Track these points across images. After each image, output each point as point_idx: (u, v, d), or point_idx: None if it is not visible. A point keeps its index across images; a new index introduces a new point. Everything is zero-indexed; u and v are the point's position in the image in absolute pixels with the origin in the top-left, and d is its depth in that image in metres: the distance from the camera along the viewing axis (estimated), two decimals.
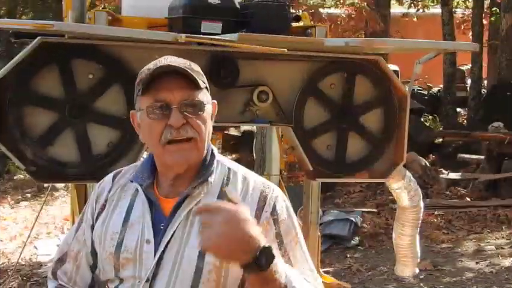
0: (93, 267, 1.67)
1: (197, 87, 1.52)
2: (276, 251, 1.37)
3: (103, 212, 1.63)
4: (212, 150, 1.61)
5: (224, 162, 1.63)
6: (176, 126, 1.48)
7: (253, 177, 1.62)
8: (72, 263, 1.68)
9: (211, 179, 1.56)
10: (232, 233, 1.31)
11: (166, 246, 1.51)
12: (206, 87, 1.57)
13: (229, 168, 1.61)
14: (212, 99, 1.63)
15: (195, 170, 1.57)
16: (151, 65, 1.52)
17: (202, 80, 1.55)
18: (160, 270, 1.51)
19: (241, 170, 1.63)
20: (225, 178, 1.59)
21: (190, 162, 1.52)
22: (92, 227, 1.64)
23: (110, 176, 1.70)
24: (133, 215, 1.57)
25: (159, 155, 1.54)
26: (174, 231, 1.52)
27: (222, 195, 1.55)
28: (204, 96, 1.55)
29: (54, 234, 6.59)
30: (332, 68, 2.81)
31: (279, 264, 1.38)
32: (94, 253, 1.65)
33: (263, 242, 1.34)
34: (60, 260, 1.70)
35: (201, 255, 1.49)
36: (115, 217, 1.60)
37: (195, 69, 1.55)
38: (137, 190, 1.60)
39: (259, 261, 1.32)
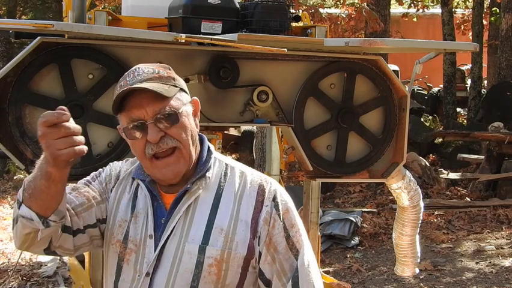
0: (100, 221, 1.61)
1: (166, 97, 1.50)
2: None
3: (113, 190, 1.64)
4: (209, 147, 1.64)
5: (221, 158, 1.66)
6: (153, 141, 1.49)
7: (251, 172, 1.65)
8: (83, 199, 1.59)
9: (209, 174, 1.59)
10: None
11: (166, 241, 1.54)
12: (181, 89, 1.56)
13: (226, 164, 1.64)
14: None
15: (191, 170, 1.59)
16: (121, 82, 1.54)
17: (174, 85, 1.54)
18: (160, 264, 1.53)
19: (238, 166, 1.65)
20: (223, 173, 1.61)
21: (180, 174, 1.55)
22: (107, 198, 1.64)
23: (122, 161, 1.73)
24: (137, 206, 1.60)
25: (148, 169, 1.56)
26: (174, 226, 1.54)
27: (219, 191, 1.57)
28: (178, 101, 1.53)
29: None
30: (332, 68, 2.81)
31: None
32: (104, 220, 1.62)
33: None
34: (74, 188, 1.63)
35: (202, 250, 1.51)
36: (123, 203, 1.62)
37: (164, 75, 1.53)
38: (138, 183, 1.62)
39: None
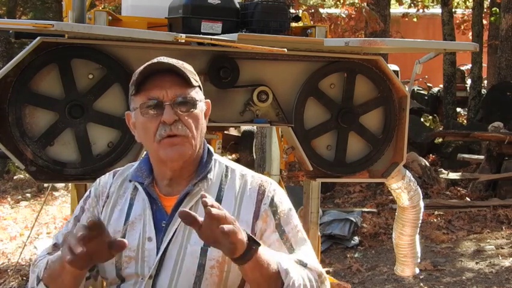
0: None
1: (189, 85, 1.54)
2: (259, 241, 1.42)
3: (103, 209, 1.64)
4: (208, 148, 1.64)
5: (221, 160, 1.66)
6: (169, 122, 1.50)
7: (251, 174, 1.65)
8: None
9: (210, 176, 1.58)
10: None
11: (168, 243, 1.53)
12: (199, 86, 1.59)
13: (226, 166, 1.64)
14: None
15: (192, 168, 1.59)
16: (143, 66, 1.54)
17: (195, 79, 1.57)
18: (162, 267, 1.52)
19: (238, 168, 1.65)
20: (223, 175, 1.61)
21: (184, 157, 1.54)
22: None
23: (109, 173, 1.72)
24: (133, 214, 1.59)
25: (154, 152, 1.56)
26: (176, 229, 1.54)
27: (220, 193, 1.57)
28: (196, 94, 1.56)
29: (54, 234, 6.58)
30: (332, 68, 2.81)
31: (265, 251, 1.43)
32: None
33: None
34: (57, 246, 1.68)
35: (204, 252, 1.51)
36: (115, 216, 1.61)
37: (188, 68, 1.56)
38: (136, 189, 1.61)
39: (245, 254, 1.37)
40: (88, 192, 1.72)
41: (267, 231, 1.57)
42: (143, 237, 1.55)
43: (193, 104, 1.53)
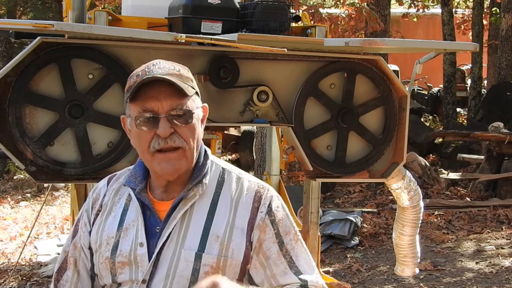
0: (92, 274, 1.66)
1: (185, 95, 1.49)
2: None
3: (97, 218, 1.63)
4: (205, 150, 1.61)
5: (218, 162, 1.63)
6: (164, 136, 1.47)
7: (248, 177, 1.62)
8: (72, 270, 1.66)
9: (205, 181, 1.56)
10: None
11: (162, 248, 1.51)
12: (196, 93, 1.55)
13: (223, 169, 1.62)
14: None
15: (188, 174, 1.57)
16: (139, 71, 1.50)
17: (191, 86, 1.53)
18: (156, 271, 1.51)
19: (235, 170, 1.63)
20: (219, 179, 1.59)
21: (179, 172, 1.52)
22: (90, 232, 1.64)
23: (104, 181, 1.70)
24: (127, 220, 1.57)
25: (148, 163, 1.54)
26: (170, 233, 1.52)
27: (216, 197, 1.56)
28: (193, 103, 1.52)
29: (54, 234, 6.59)
30: (332, 68, 2.81)
31: None
32: (92, 259, 1.65)
33: None
34: (61, 269, 1.69)
35: (198, 257, 1.50)
36: (109, 222, 1.59)
37: (184, 74, 1.52)
38: (130, 195, 1.60)
39: None
40: (82, 208, 1.70)
41: (267, 242, 1.55)
42: (136, 243, 1.53)
43: (189, 115, 1.50)
